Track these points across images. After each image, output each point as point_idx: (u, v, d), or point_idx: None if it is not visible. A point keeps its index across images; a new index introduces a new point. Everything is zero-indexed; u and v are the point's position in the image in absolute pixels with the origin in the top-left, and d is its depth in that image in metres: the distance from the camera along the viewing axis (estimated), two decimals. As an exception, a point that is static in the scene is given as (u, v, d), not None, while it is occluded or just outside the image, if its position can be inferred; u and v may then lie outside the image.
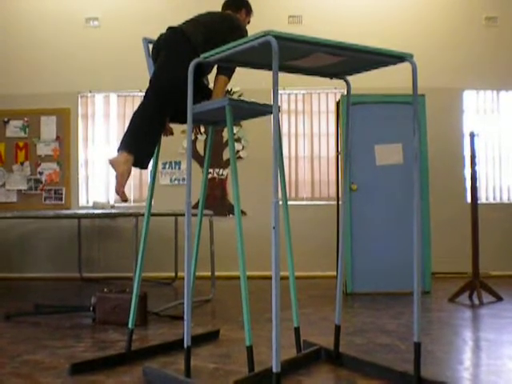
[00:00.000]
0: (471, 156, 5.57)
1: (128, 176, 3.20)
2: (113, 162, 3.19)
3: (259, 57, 2.66)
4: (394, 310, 4.92)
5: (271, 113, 3.19)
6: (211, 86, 3.62)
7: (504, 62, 7.71)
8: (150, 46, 3.58)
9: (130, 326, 3.27)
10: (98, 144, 7.82)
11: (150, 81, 3.38)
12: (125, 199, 3.26)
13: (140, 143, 3.24)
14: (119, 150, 3.23)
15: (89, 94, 7.79)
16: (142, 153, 3.25)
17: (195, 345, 3.48)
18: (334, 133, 7.07)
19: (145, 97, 3.35)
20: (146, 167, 3.31)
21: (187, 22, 3.57)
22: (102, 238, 7.59)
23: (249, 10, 4.01)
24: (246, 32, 3.60)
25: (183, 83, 2.97)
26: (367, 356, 3.28)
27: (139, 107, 3.36)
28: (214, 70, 3.56)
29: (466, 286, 5.52)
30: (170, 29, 3.47)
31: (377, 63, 2.83)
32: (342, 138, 6.08)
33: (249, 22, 4.01)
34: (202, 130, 7.60)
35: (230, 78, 3.50)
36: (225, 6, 3.96)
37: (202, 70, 3.53)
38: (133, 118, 3.33)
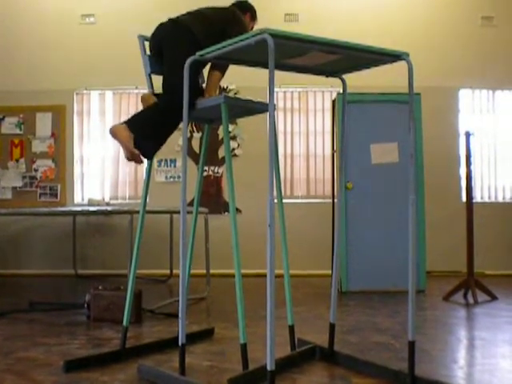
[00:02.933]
0: (466, 155, 5.58)
1: (132, 142, 3.16)
2: (113, 130, 3.18)
3: (255, 55, 2.66)
4: (388, 309, 4.93)
5: (267, 111, 3.19)
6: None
7: (500, 62, 7.73)
8: (146, 44, 3.57)
9: (124, 323, 3.26)
10: (94, 141, 7.80)
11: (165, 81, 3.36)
12: (140, 161, 3.24)
13: (144, 131, 3.22)
14: (123, 122, 3.24)
15: (84, 91, 7.77)
16: (143, 140, 3.22)
17: (190, 342, 3.48)
18: (330, 131, 7.08)
19: (164, 97, 3.32)
20: (147, 157, 3.29)
21: (189, 13, 3.54)
22: (97, 235, 7.58)
23: (254, 16, 3.92)
24: (246, 30, 3.57)
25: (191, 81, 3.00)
26: (362, 354, 3.28)
27: (161, 102, 3.32)
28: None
29: (461, 285, 5.54)
30: (171, 21, 3.44)
31: (373, 62, 2.83)
32: (338, 137, 6.09)
33: (252, 28, 3.96)
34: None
35: (223, 73, 3.49)
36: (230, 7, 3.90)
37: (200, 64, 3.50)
38: (151, 108, 3.33)
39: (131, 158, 3.20)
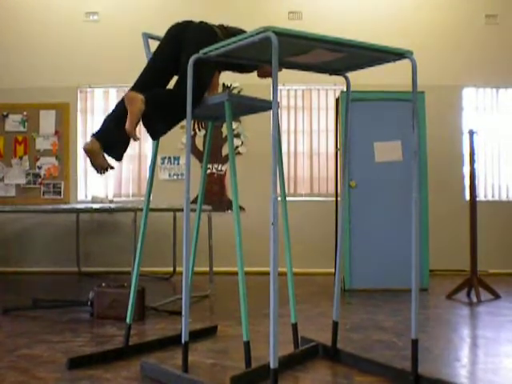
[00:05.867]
0: (470, 153, 5.57)
1: (139, 118, 3.03)
2: (130, 97, 3.04)
3: (259, 53, 2.66)
4: (391, 307, 4.93)
5: (270, 109, 3.18)
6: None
7: (504, 60, 7.70)
8: (150, 41, 3.56)
9: (127, 320, 3.27)
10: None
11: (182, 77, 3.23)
12: (136, 139, 3.08)
13: (162, 111, 3.15)
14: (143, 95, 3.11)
15: (88, 89, 7.78)
16: (153, 119, 3.12)
17: (193, 340, 3.49)
18: (334, 129, 7.07)
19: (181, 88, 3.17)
20: (154, 137, 3.21)
21: (219, 26, 3.46)
22: (101, 233, 7.59)
23: None
24: None
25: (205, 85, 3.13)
26: (365, 352, 3.28)
27: (176, 91, 3.21)
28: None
29: (464, 284, 5.53)
30: (205, 27, 3.33)
31: (377, 60, 2.83)
32: (341, 135, 6.08)
33: None
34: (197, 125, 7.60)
35: (220, 71, 3.50)
36: None
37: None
38: (174, 93, 3.23)
39: (130, 131, 3.02)
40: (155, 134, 3.21)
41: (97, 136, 3.21)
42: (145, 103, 3.03)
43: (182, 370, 2.79)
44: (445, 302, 5.26)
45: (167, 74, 3.40)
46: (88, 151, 3.18)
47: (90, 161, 3.22)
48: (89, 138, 3.25)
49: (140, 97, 3.03)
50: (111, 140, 3.23)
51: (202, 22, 3.37)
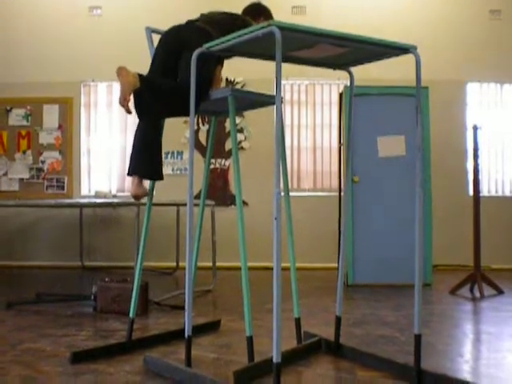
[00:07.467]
0: (474, 149, 5.56)
1: (130, 92, 3.01)
2: (122, 70, 3.01)
3: (263, 47, 2.66)
4: (394, 302, 4.93)
5: (274, 103, 3.18)
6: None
7: (508, 55, 7.68)
8: (153, 35, 3.56)
9: (130, 315, 3.28)
10: (101, 133, 7.81)
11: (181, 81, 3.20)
12: (128, 111, 3.06)
13: (150, 91, 3.10)
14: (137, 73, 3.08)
15: (91, 83, 7.77)
16: (146, 100, 3.11)
17: (196, 335, 3.49)
18: (337, 124, 7.07)
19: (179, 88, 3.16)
20: (140, 116, 3.20)
21: (205, 20, 3.43)
22: (104, 227, 7.60)
23: (268, 17, 3.71)
24: None
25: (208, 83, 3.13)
26: (367, 347, 3.28)
27: (175, 87, 3.19)
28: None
29: (467, 279, 5.53)
30: (195, 27, 3.32)
31: (380, 55, 2.82)
32: (345, 130, 6.07)
33: None
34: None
35: (222, 65, 3.49)
36: (243, 13, 3.74)
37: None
38: (175, 84, 3.22)
39: (122, 103, 3.01)
40: (142, 114, 3.18)
41: (134, 172, 3.36)
42: (140, 81, 3.02)
43: (185, 364, 2.79)
44: (448, 297, 5.26)
45: (168, 76, 3.35)
46: (138, 196, 3.39)
47: (135, 199, 3.42)
48: (129, 179, 3.34)
49: (132, 72, 3.02)
50: (149, 165, 3.39)
51: (191, 23, 3.36)
